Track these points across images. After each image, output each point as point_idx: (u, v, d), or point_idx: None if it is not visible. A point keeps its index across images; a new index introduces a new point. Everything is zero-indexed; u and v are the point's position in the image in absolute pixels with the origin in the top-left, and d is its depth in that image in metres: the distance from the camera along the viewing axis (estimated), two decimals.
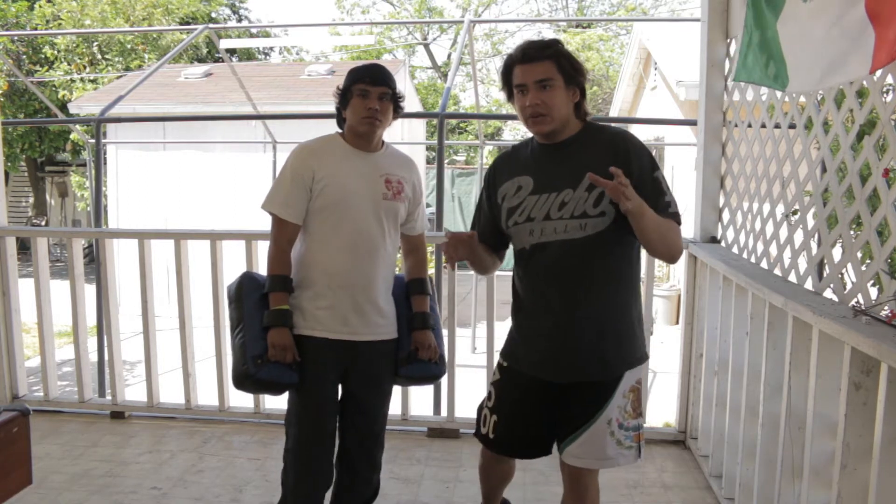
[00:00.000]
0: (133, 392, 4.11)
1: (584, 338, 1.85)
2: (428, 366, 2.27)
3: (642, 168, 1.82)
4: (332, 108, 2.21)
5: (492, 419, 2.03)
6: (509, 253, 2.07)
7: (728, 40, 2.98)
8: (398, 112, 2.17)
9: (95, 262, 4.29)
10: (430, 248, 10.94)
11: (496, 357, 2.17)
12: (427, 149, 15.49)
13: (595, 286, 1.85)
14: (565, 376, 1.89)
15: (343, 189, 2.11)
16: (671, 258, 1.89)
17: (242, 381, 2.11)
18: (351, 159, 2.15)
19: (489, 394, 2.08)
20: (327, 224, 2.11)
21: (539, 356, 1.91)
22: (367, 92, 2.08)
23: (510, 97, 1.91)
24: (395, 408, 3.41)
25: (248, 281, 2.20)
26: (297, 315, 2.13)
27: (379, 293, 2.18)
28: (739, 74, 2.48)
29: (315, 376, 2.13)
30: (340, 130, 2.22)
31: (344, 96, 2.13)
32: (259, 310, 2.12)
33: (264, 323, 2.10)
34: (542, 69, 1.80)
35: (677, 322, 7.73)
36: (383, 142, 2.24)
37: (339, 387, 2.21)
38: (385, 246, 2.18)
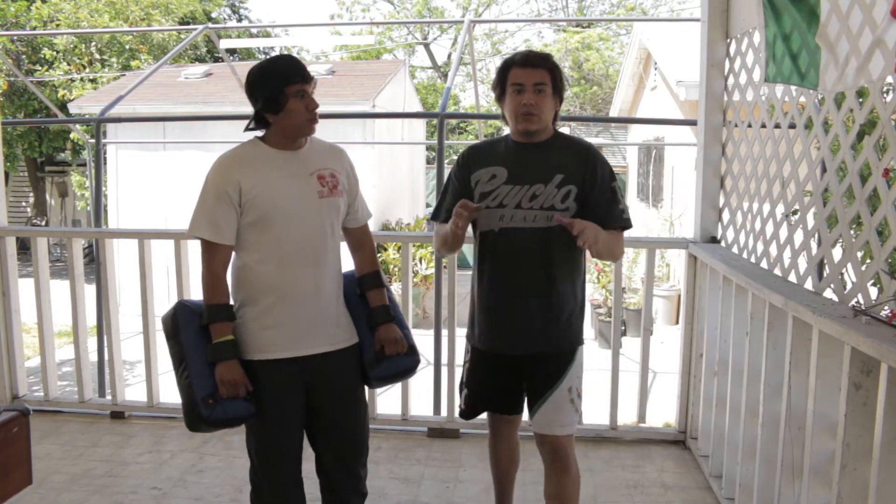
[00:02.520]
0: (133, 392, 4.11)
1: (541, 315, 2.09)
2: (399, 360, 2.12)
3: (604, 178, 2.10)
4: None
5: (464, 393, 2.28)
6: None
7: (728, 40, 2.98)
8: None
9: (95, 262, 4.29)
10: (429, 248, 10.81)
11: None
12: (427, 149, 15.49)
13: (552, 270, 2.08)
14: (522, 350, 2.13)
15: (276, 197, 1.93)
16: (615, 261, 2.42)
17: (196, 425, 1.93)
18: (278, 163, 1.96)
19: (463, 373, 2.30)
20: (266, 236, 1.94)
21: (499, 333, 2.14)
22: (304, 91, 1.92)
23: (501, 96, 2.12)
24: (395, 408, 3.44)
25: (182, 312, 2.01)
26: (242, 339, 1.96)
27: (331, 300, 2.02)
28: (769, 74, 2.47)
29: (271, 400, 1.97)
30: (258, 135, 2.03)
31: (275, 102, 1.91)
32: (201, 343, 1.94)
33: (209, 358, 1.92)
34: (540, 75, 2.05)
35: (677, 322, 7.73)
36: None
37: (304, 402, 2.04)
38: (330, 248, 2.03)
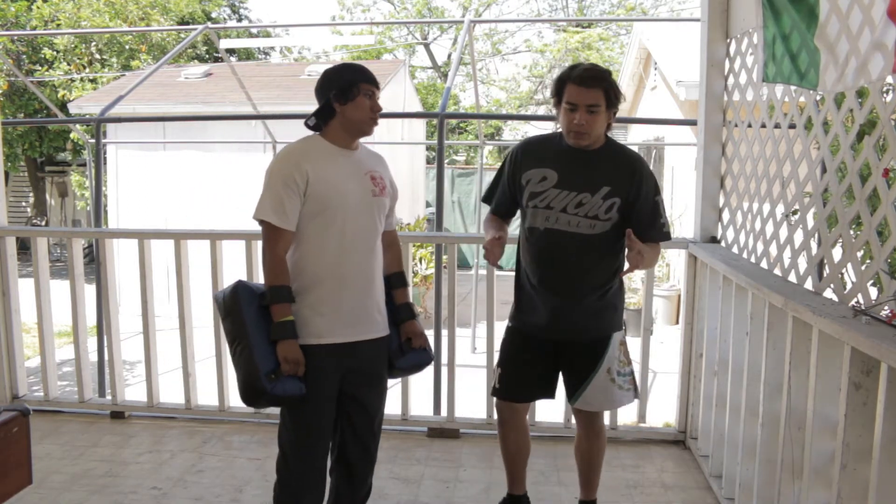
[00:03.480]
0: (133, 392, 4.11)
1: (580, 308, 2.24)
2: (420, 353, 2.30)
3: (648, 192, 2.20)
4: None
5: (498, 371, 2.39)
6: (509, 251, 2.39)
7: (728, 40, 2.98)
8: None
9: (95, 262, 4.29)
10: (429, 248, 10.84)
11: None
12: (427, 149, 15.47)
13: (591, 269, 2.23)
14: (560, 335, 2.28)
15: (338, 190, 2.07)
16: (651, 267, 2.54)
17: (256, 399, 2.04)
18: (338, 159, 2.12)
19: (500, 354, 2.42)
20: (327, 226, 2.07)
21: (543, 323, 2.27)
22: (375, 94, 2.11)
23: (557, 104, 2.20)
24: (394, 408, 3.42)
25: (244, 291, 2.10)
26: (298, 325, 2.07)
27: (379, 290, 2.19)
28: (769, 74, 2.47)
29: (317, 384, 2.08)
30: (314, 131, 2.15)
31: (348, 91, 2.07)
32: (261, 322, 2.05)
33: (272, 336, 2.03)
34: (594, 96, 2.11)
35: (677, 322, 7.73)
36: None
37: (339, 387, 2.16)
38: (378, 242, 2.19)
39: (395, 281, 2.32)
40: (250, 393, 2.03)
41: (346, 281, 2.09)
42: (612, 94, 2.13)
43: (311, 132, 2.16)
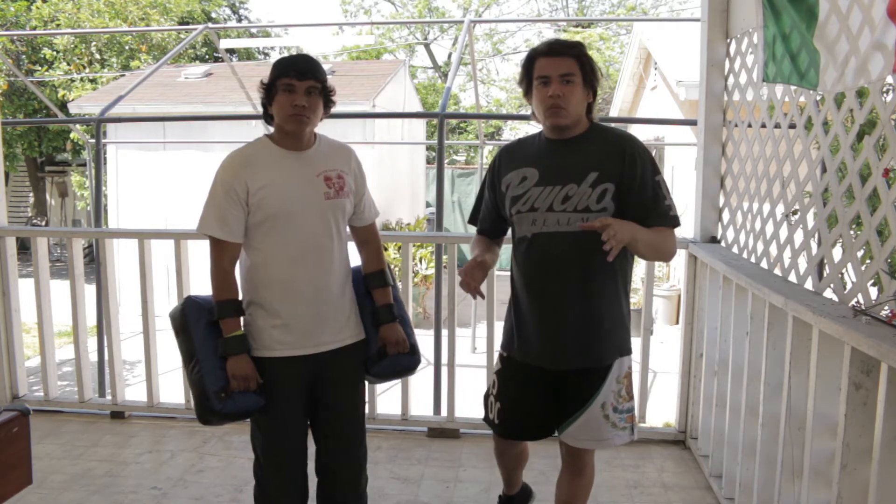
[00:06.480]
0: (133, 392, 4.11)
1: (579, 328, 1.95)
2: (399, 359, 2.15)
3: (644, 173, 1.91)
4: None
5: (496, 406, 2.13)
6: (505, 253, 2.16)
7: (728, 40, 2.98)
8: (329, 107, 2.01)
9: (95, 262, 4.29)
10: (429, 248, 10.82)
11: (496, 355, 2.26)
12: (427, 149, 15.48)
13: (590, 278, 1.93)
14: (561, 364, 1.98)
15: (283, 197, 1.94)
16: (666, 261, 2.03)
17: (207, 418, 1.97)
18: (284, 163, 1.98)
19: (493, 382, 2.16)
20: (272, 236, 1.96)
21: (536, 346, 2.00)
22: (293, 87, 1.90)
23: (528, 91, 1.97)
24: (395, 408, 3.44)
25: (191, 308, 2.02)
26: (251, 335, 2.00)
27: (337, 299, 2.05)
28: (769, 74, 2.47)
29: (279, 394, 2.01)
30: (267, 131, 2.06)
31: (269, 91, 1.95)
32: (210, 337, 1.97)
33: (220, 352, 1.95)
34: (567, 64, 1.89)
35: (677, 322, 7.73)
36: (315, 135, 2.06)
37: (308, 396, 2.08)
38: (335, 248, 2.04)
39: (373, 281, 2.17)
40: (201, 413, 1.97)
41: (297, 291, 1.97)
42: (586, 66, 1.90)
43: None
